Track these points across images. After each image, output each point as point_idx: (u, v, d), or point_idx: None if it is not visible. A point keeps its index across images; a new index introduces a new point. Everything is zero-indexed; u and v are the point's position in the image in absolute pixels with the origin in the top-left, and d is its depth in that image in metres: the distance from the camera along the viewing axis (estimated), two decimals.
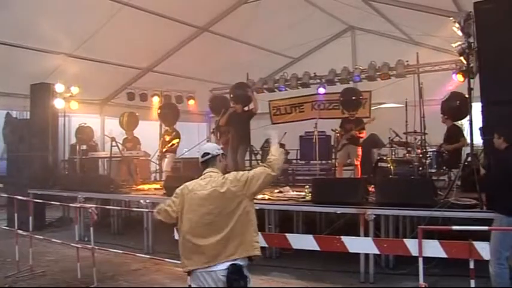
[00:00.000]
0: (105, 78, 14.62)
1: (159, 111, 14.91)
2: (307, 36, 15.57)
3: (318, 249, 5.32)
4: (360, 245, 5.57)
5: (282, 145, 14.57)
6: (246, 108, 12.48)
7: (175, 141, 13.62)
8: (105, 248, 8.60)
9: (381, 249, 5.31)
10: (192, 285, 4.12)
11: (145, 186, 12.54)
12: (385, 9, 12.81)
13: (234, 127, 11.96)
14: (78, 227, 8.57)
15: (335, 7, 13.58)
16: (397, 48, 14.26)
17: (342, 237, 5.12)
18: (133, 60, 14.55)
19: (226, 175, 4.23)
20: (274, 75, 16.22)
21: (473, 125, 7.18)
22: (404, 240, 5.00)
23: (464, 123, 11.12)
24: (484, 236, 4.77)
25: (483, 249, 4.43)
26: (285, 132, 14.12)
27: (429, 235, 5.34)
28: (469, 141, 9.84)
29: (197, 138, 14.52)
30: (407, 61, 12.45)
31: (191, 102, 16.28)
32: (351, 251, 5.27)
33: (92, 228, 7.47)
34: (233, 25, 13.65)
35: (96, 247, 7.44)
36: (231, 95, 13.20)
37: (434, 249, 4.69)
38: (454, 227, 4.46)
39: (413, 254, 4.78)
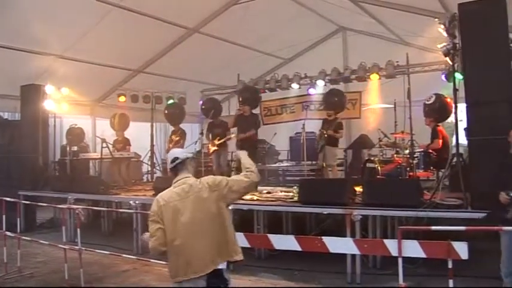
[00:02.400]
0: (95, 79, 14.54)
1: (166, 111, 14.94)
2: (298, 37, 15.57)
3: (300, 249, 5.34)
4: (341, 245, 5.59)
5: (272, 146, 14.78)
6: (253, 111, 12.42)
7: (178, 138, 13.65)
8: (94, 249, 8.61)
9: (362, 250, 5.34)
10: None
11: (136, 187, 12.55)
12: (375, 10, 12.83)
13: (240, 129, 11.76)
14: (66, 228, 8.58)
15: (326, 8, 13.64)
16: (388, 48, 14.29)
17: (322, 237, 5.15)
18: (124, 62, 14.51)
19: (202, 179, 4.16)
20: (265, 76, 16.25)
21: (458, 126, 7.21)
22: (385, 240, 5.03)
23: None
24: (465, 236, 4.80)
25: (461, 249, 4.46)
26: (275, 133, 14.32)
27: (414, 236, 5.40)
28: (454, 141, 10.03)
29: (190, 138, 14.46)
30: (397, 61, 12.49)
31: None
32: (331, 251, 5.30)
33: (79, 230, 7.46)
34: (224, 26, 13.61)
35: (84, 248, 7.42)
36: (240, 97, 13.16)
37: (414, 249, 4.73)
38: (434, 227, 4.50)
39: (393, 254, 4.82)
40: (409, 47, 13.58)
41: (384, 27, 14.01)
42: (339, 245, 5.54)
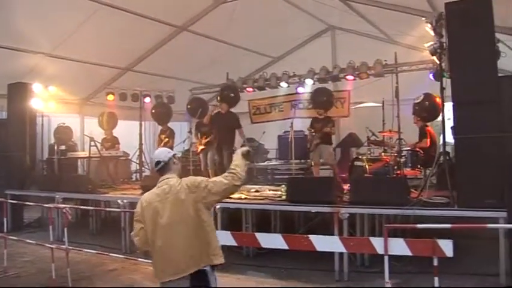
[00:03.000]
0: (84, 77, 14.46)
1: (153, 111, 14.88)
2: (287, 36, 15.58)
3: (287, 247, 5.34)
4: (327, 243, 5.61)
5: (261, 144, 14.77)
6: (232, 110, 12.37)
7: (170, 139, 13.63)
8: (82, 248, 8.57)
9: (348, 248, 5.35)
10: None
11: (124, 186, 12.52)
12: (364, 9, 12.85)
13: (217, 127, 11.81)
14: (54, 228, 8.55)
15: (315, 7, 13.63)
16: (376, 47, 14.23)
17: (309, 236, 5.15)
18: (112, 60, 14.42)
19: (183, 180, 4.17)
20: (254, 74, 16.23)
21: (445, 124, 7.25)
22: (371, 238, 5.04)
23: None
24: (450, 235, 4.83)
25: (446, 246, 4.49)
26: (264, 132, 14.32)
27: (402, 234, 5.43)
28: (441, 140, 10.09)
29: (179, 137, 14.45)
30: (385, 60, 12.57)
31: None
32: (318, 249, 5.31)
33: (66, 229, 7.44)
34: (212, 24, 13.54)
35: (71, 247, 7.39)
36: (220, 94, 13.09)
37: (399, 247, 4.75)
38: (419, 226, 4.52)
39: (379, 252, 4.84)
40: (398, 46, 13.60)
41: (372, 26, 14.04)
42: (326, 243, 5.55)
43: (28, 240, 9.09)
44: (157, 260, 4.07)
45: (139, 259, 7.56)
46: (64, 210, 7.38)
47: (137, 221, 4.16)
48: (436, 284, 4.41)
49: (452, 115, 6.72)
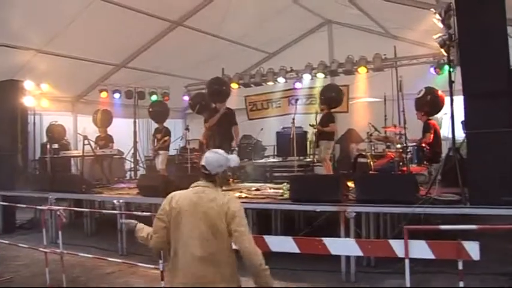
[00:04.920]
0: (76, 74, 14.16)
1: (150, 109, 14.54)
2: (284, 31, 15.32)
3: (298, 251, 5.05)
4: (343, 246, 5.31)
5: (258, 141, 14.52)
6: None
7: (166, 138, 13.29)
8: (78, 251, 8.24)
9: (365, 251, 5.04)
10: None
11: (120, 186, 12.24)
12: (362, 2, 12.64)
13: (220, 127, 11.34)
14: (47, 230, 8.23)
15: (311, 1, 13.42)
16: (375, 42, 14.08)
17: (323, 238, 4.87)
18: (106, 56, 14.14)
19: (225, 195, 3.72)
20: (251, 70, 15.95)
21: (454, 119, 7.00)
22: (390, 241, 4.74)
23: (441, 117, 11.09)
24: (472, 235, 4.57)
25: (472, 249, 4.21)
26: (261, 128, 14.07)
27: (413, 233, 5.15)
28: (448, 135, 9.85)
29: (174, 135, 14.18)
30: (384, 55, 12.40)
31: (165, 98, 15.88)
32: (333, 253, 5.01)
33: (60, 232, 7.10)
34: (207, 19, 13.28)
35: (65, 251, 7.07)
36: (210, 92, 12.56)
37: (421, 249, 4.45)
38: (442, 227, 4.25)
39: (400, 256, 4.56)
40: (397, 41, 13.45)
41: (371, 20, 13.83)
42: (341, 246, 5.25)
43: (21, 244, 8.73)
44: (173, 271, 3.67)
45: (139, 264, 7.20)
46: (58, 213, 7.06)
47: (160, 220, 3.74)
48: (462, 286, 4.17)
49: (463, 109, 6.45)
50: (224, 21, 13.33)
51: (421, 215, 6.38)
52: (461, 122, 6.89)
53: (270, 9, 13.70)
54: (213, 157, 3.82)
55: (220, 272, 3.56)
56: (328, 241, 4.87)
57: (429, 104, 10.13)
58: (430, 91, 10.33)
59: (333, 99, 11.83)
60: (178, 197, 3.75)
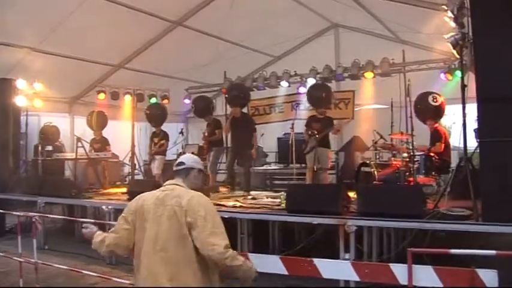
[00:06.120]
0: (73, 75, 13.69)
1: (147, 111, 14.04)
2: (288, 34, 14.80)
3: (286, 273, 4.48)
4: (336, 269, 4.69)
5: (259, 147, 14.01)
6: (244, 110, 11.86)
7: (162, 142, 12.88)
8: (66, 258, 7.80)
9: (362, 276, 4.41)
10: None
11: (113, 190, 11.73)
12: (370, 4, 12.15)
13: (235, 132, 11.15)
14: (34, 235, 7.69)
15: (317, 3, 12.98)
16: (382, 47, 13.56)
17: (314, 260, 4.30)
18: (103, 56, 13.67)
19: (195, 195, 3.56)
20: (254, 74, 15.51)
21: (466, 126, 6.42)
22: (391, 265, 4.16)
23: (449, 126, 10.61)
24: (486, 261, 3.93)
25: (490, 278, 3.59)
26: (262, 134, 13.57)
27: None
28: (456, 144, 9.31)
29: (174, 139, 13.71)
30: (392, 59, 11.99)
31: (164, 101, 15.40)
32: (324, 276, 4.43)
33: (34, 240, 6.60)
34: (209, 20, 12.80)
35: (40, 262, 6.56)
36: (227, 97, 12.56)
37: (427, 277, 3.84)
38: (453, 251, 3.63)
39: (402, 283, 3.96)
40: (405, 45, 12.94)
41: (379, 23, 13.31)
42: (334, 269, 4.65)
43: None
44: (138, 274, 3.51)
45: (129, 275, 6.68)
46: (33, 219, 6.56)
47: (124, 219, 3.61)
48: None
49: (477, 115, 5.87)
50: (227, 22, 12.87)
51: (429, 231, 5.79)
52: (474, 130, 6.33)
53: (275, 10, 13.18)
54: (189, 155, 4.06)
55: (193, 272, 3.38)
56: (319, 263, 4.29)
57: (428, 110, 9.69)
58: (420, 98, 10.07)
59: (323, 99, 11.26)
60: (145, 196, 3.67)
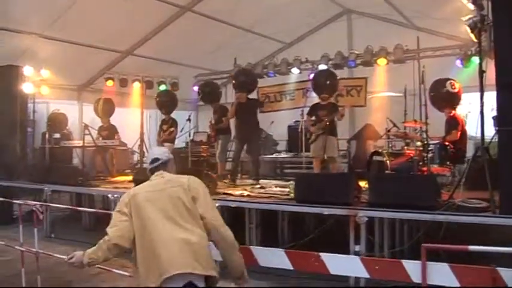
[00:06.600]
0: (82, 61, 13.51)
1: (157, 99, 13.94)
2: (300, 20, 14.55)
3: (291, 268, 4.26)
4: (344, 265, 4.44)
5: (269, 135, 13.80)
6: (249, 97, 11.54)
7: (172, 129, 12.73)
8: (73, 246, 7.57)
9: (372, 272, 4.14)
10: None
11: (121, 178, 11.58)
12: None
13: (240, 118, 10.89)
14: (40, 223, 7.55)
15: None
16: (396, 33, 13.24)
17: (321, 254, 4.07)
18: (112, 43, 13.42)
19: (187, 177, 3.80)
20: (265, 61, 15.23)
21: (483, 113, 6.11)
22: (403, 261, 3.90)
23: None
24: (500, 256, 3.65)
25: (510, 277, 3.33)
26: (272, 121, 13.33)
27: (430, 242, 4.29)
28: (471, 133, 9.01)
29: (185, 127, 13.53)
30: (406, 46, 11.74)
31: (174, 88, 15.22)
32: (332, 272, 4.19)
33: (36, 229, 6.45)
34: (219, 5, 12.50)
35: (41, 251, 6.41)
36: (234, 82, 12.25)
37: (442, 275, 3.56)
38: (471, 247, 3.35)
39: (415, 281, 3.70)
40: (420, 32, 12.61)
41: (392, 9, 12.96)
42: (343, 265, 4.38)
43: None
44: (145, 258, 3.49)
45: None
46: (34, 208, 6.41)
47: (120, 213, 3.66)
48: None
49: (496, 102, 5.58)
50: (237, 7, 12.62)
51: (443, 223, 5.52)
52: (493, 118, 6.03)
53: None
54: (158, 148, 4.38)
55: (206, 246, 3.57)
56: (327, 258, 4.06)
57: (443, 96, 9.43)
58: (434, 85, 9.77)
59: (328, 87, 10.95)
60: (136, 188, 3.85)
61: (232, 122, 11.41)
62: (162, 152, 4.04)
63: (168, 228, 3.48)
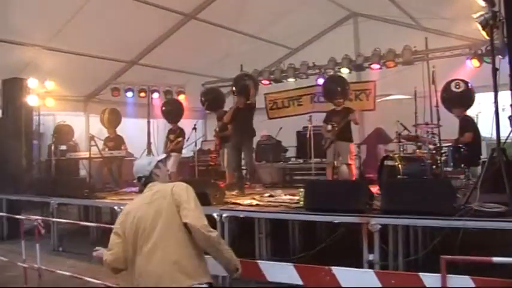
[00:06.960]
0: (86, 72, 13.40)
1: (163, 108, 13.90)
2: (306, 25, 14.44)
3: (300, 283, 4.02)
4: (358, 279, 4.20)
5: (278, 142, 13.58)
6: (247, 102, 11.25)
7: (179, 139, 12.58)
8: (79, 260, 7.77)
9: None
10: None
11: (129, 189, 11.43)
12: None
13: (236, 123, 10.65)
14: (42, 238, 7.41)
15: None
16: (403, 35, 13.00)
17: (332, 268, 3.85)
18: (115, 53, 13.31)
19: (173, 184, 3.75)
20: (271, 67, 15.05)
21: (499, 113, 5.88)
22: (421, 275, 3.66)
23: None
24: None
25: None
26: (281, 127, 13.14)
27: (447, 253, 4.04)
28: (484, 134, 8.79)
29: (194, 135, 13.35)
30: (415, 47, 11.58)
31: (181, 97, 15.13)
32: (343, 285, 3.94)
33: (37, 245, 6.30)
34: (224, 12, 12.38)
35: (44, 267, 6.24)
36: (233, 88, 12.25)
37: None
38: (496, 259, 3.11)
39: None
40: (428, 33, 12.41)
41: (399, 10, 12.77)
42: (355, 278, 4.14)
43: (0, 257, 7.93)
44: (131, 273, 3.57)
45: None
46: (35, 223, 6.25)
47: (115, 234, 3.68)
48: None
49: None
50: (242, 14, 12.49)
51: (460, 229, 5.28)
52: (509, 118, 5.81)
53: (291, 0, 12.79)
54: (136, 164, 4.10)
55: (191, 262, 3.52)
56: (338, 271, 3.84)
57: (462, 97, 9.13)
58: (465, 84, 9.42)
59: (338, 93, 10.78)
60: (132, 203, 3.89)
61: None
62: (141, 167, 4.00)
63: (147, 253, 3.49)
